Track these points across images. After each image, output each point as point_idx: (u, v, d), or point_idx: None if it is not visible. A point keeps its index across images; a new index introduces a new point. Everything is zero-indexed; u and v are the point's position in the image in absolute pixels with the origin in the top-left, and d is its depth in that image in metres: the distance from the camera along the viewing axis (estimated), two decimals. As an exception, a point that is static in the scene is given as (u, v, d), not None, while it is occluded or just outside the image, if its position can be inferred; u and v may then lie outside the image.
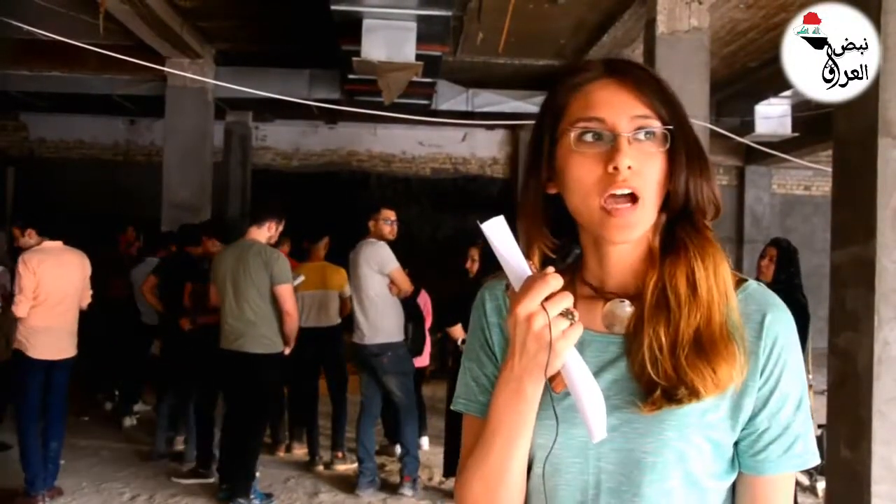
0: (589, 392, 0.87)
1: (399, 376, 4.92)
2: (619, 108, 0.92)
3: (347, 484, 5.17)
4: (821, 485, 4.86)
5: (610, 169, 0.90)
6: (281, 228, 4.87)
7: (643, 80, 0.94)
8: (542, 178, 0.99)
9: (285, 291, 4.63)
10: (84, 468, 5.21)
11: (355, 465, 5.41)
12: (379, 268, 4.83)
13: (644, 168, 0.91)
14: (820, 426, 4.62)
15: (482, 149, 11.88)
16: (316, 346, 5.50)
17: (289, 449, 5.82)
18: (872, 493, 2.90)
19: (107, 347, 6.75)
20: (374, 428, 5.11)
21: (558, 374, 0.88)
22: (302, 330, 5.46)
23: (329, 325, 5.59)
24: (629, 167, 0.90)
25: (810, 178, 12.16)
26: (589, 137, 0.93)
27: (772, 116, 8.68)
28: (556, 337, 0.85)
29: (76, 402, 6.46)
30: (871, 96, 2.83)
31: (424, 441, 5.76)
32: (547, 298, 0.85)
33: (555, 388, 0.90)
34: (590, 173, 0.92)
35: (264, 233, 4.73)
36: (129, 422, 6.54)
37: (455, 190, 11.75)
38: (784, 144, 8.80)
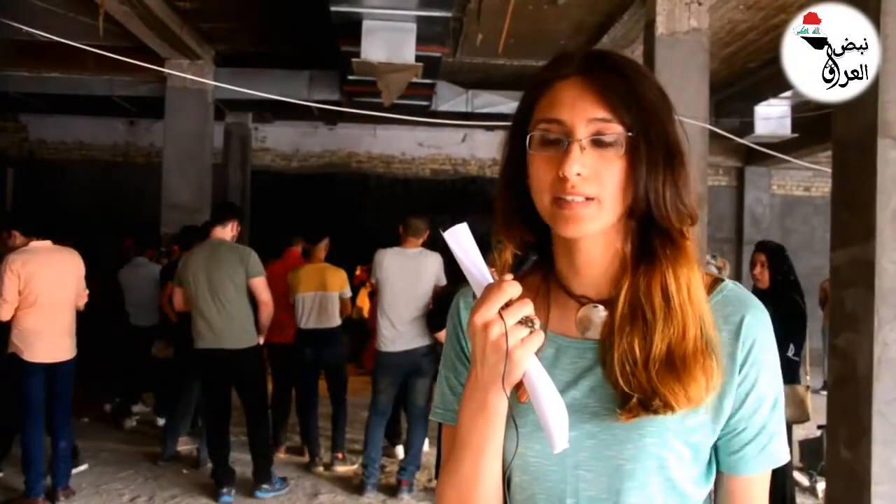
0: (549, 402, 0.85)
1: (431, 378, 4.98)
2: (578, 111, 0.90)
3: (347, 485, 5.17)
4: (821, 485, 4.86)
5: (560, 175, 0.88)
6: (239, 227, 4.98)
7: (611, 81, 0.91)
8: (516, 171, 0.97)
9: (261, 283, 4.78)
10: (84, 469, 5.20)
11: (355, 466, 5.42)
12: (437, 276, 4.93)
13: (601, 173, 0.89)
14: (820, 427, 4.63)
15: (482, 150, 11.89)
16: (316, 347, 5.50)
17: (313, 455, 5.64)
18: (872, 494, 2.90)
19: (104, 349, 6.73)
20: (382, 431, 5.12)
21: (522, 383, 0.87)
22: (302, 331, 5.49)
23: (329, 327, 5.57)
24: (578, 174, 0.88)
25: (810, 179, 12.17)
26: (547, 139, 0.91)
27: (771, 117, 8.69)
28: (513, 345, 0.83)
29: (75, 403, 6.46)
30: (870, 97, 2.83)
31: (425, 442, 5.76)
32: (505, 306, 0.84)
33: (520, 397, 0.88)
34: (545, 176, 0.91)
35: (228, 232, 4.85)
36: (129, 423, 6.54)
37: (455, 191, 11.75)
38: (783, 145, 8.80)
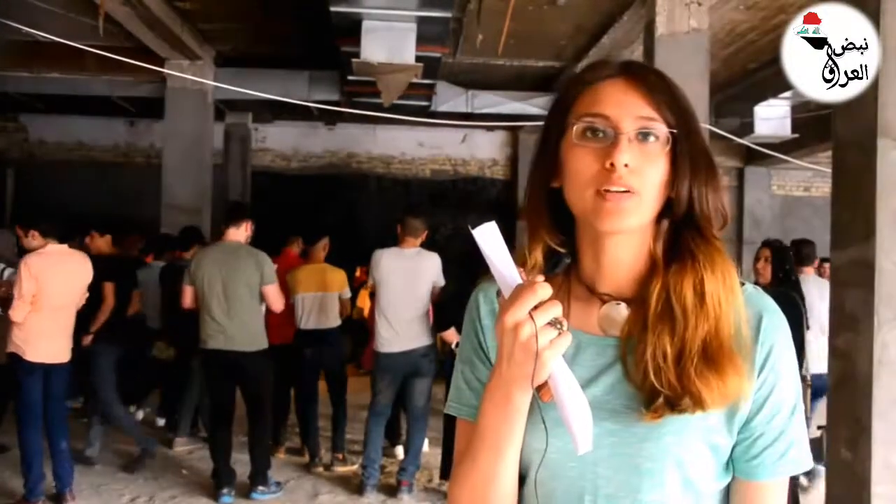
0: (574, 403, 0.86)
1: (431, 378, 4.99)
2: (625, 107, 0.92)
3: (347, 485, 5.17)
4: (821, 486, 4.86)
5: (607, 165, 0.90)
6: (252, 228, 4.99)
7: (654, 83, 0.94)
8: (548, 171, 0.99)
9: (274, 291, 4.82)
10: (83, 470, 5.19)
11: (355, 466, 5.42)
12: (435, 277, 4.93)
13: (644, 168, 0.91)
14: (820, 427, 4.63)
15: (482, 150, 11.88)
16: (315, 347, 5.50)
17: (313, 456, 5.62)
18: (872, 495, 2.90)
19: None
20: (382, 431, 5.12)
21: (546, 383, 0.87)
22: (302, 332, 5.49)
23: (329, 327, 5.58)
24: (626, 165, 0.90)
25: (810, 180, 12.16)
26: (591, 133, 0.93)
27: (771, 118, 8.68)
28: (542, 346, 0.84)
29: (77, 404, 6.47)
30: (870, 98, 2.83)
31: (424, 442, 5.75)
32: (535, 307, 0.84)
33: (542, 397, 0.89)
34: (588, 167, 0.92)
35: (242, 233, 4.85)
36: (140, 414, 6.53)
37: (454, 191, 11.74)
38: (783, 146, 8.80)
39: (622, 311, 0.97)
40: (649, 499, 0.92)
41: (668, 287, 0.94)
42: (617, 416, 0.93)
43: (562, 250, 0.99)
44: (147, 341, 6.34)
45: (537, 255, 0.99)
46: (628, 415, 0.92)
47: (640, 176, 0.91)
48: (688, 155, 0.93)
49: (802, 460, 0.95)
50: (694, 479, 0.93)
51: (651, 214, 0.94)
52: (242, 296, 4.69)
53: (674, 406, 0.89)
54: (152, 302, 6.41)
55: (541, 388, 0.88)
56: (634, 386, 0.93)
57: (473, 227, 0.87)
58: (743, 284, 0.99)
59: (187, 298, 4.86)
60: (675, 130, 0.92)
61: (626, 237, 0.96)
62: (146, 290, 6.42)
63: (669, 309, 0.93)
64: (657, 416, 0.90)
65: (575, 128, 0.94)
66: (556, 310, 0.85)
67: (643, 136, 0.92)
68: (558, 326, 0.85)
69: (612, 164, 0.90)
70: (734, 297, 0.93)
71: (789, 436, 0.94)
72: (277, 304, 4.87)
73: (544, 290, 0.85)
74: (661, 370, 0.90)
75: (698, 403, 0.89)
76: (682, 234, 0.95)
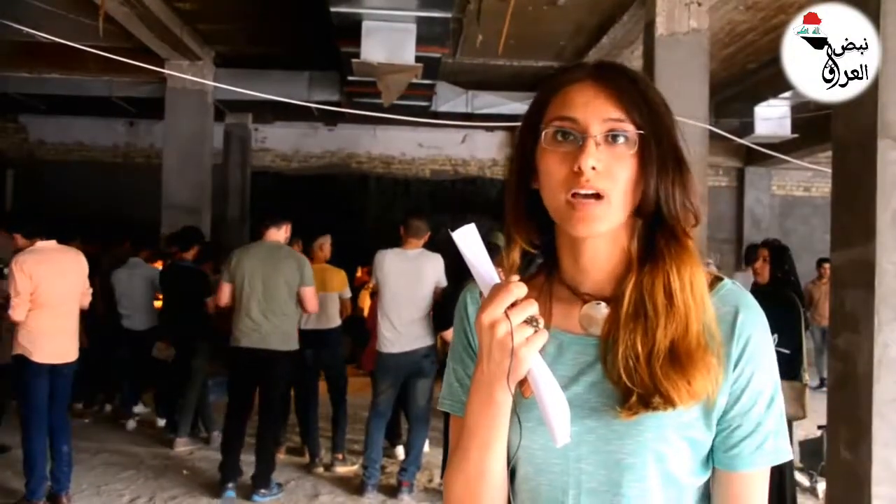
0: (552, 398, 0.88)
1: (432, 379, 4.99)
2: (592, 110, 0.94)
3: (348, 486, 5.17)
4: (821, 486, 4.86)
5: (575, 168, 0.92)
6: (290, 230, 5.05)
7: (623, 85, 0.96)
8: (526, 174, 1.01)
9: (311, 293, 4.87)
10: (84, 470, 5.20)
11: (355, 466, 5.41)
12: (438, 278, 4.93)
13: (613, 170, 0.93)
14: (820, 427, 4.64)
15: (482, 150, 11.89)
16: (316, 347, 5.50)
17: (313, 456, 5.59)
18: (873, 495, 2.89)
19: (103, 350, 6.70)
20: (383, 432, 5.12)
21: (527, 379, 0.90)
22: (302, 332, 5.49)
23: (329, 328, 5.58)
24: (593, 168, 0.91)
25: (810, 180, 12.18)
26: (561, 136, 0.95)
27: (771, 118, 8.70)
28: (519, 344, 0.86)
29: (78, 404, 6.48)
30: (870, 98, 2.83)
31: (425, 443, 5.75)
32: (512, 306, 0.86)
33: (524, 392, 0.91)
34: (558, 171, 0.94)
35: (282, 234, 4.90)
36: (130, 424, 6.53)
37: (454, 192, 11.75)
38: (783, 146, 8.81)
39: (602, 310, 0.99)
40: (631, 493, 0.94)
41: (641, 286, 0.96)
42: (597, 414, 0.95)
43: (533, 251, 1.02)
44: (124, 341, 6.36)
45: (515, 256, 1.02)
46: (609, 413, 0.95)
47: (610, 178, 0.93)
48: (655, 155, 0.94)
49: (780, 452, 0.97)
50: (674, 473, 0.95)
51: (622, 216, 0.95)
52: (281, 295, 4.73)
53: (647, 404, 0.91)
54: (134, 302, 6.40)
55: (522, 384, 0.90)
56: (613, 384, 0.95)
57: (453, 230, 0.89)
58: (722, 280, 1.01)
59: (225, 295, 4.85)
60: (642, 132, 0.94)
61: (601, 238, 0.98)
62: (126, 291, 6.40)
63: (642, 308, 0.95)
64: (632, 414, 0.92)
65: (545, 132, 0.96)
66: (531, 308, 0.87)
67: (612, 137, 0.93)
68: (534, 324, 0.87)
69: (579, 168, 0.92)
70: (702, 297, 0.95)
71: (766, 427, 0.96)
72: (313, 305, 4.92)
73: (519, 288, 0.87)
74: (633, 369, 0.93)
75: (668, 402, 0.91)
76: (654, 233, 0.98)
